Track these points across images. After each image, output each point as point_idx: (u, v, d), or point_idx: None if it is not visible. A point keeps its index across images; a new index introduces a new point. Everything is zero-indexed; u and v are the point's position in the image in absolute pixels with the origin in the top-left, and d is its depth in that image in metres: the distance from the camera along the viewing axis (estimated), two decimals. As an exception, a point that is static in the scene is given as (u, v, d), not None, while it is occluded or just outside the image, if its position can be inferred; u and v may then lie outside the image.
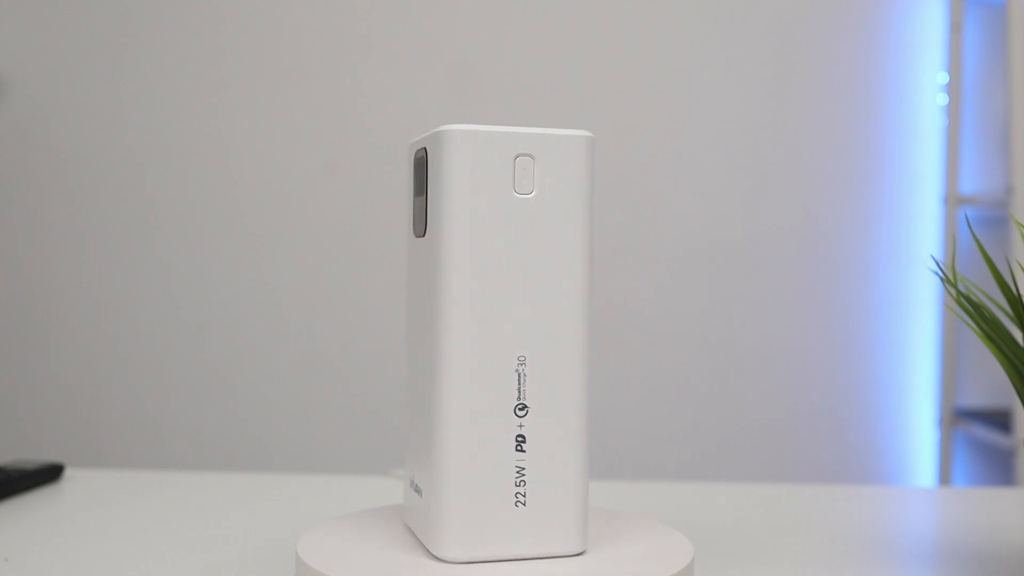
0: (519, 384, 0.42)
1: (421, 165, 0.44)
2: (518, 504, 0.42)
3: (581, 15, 1.90)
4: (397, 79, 1.91)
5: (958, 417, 1.86)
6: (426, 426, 0.43)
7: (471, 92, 1.91)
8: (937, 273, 0.51)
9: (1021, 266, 0.43)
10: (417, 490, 0.44)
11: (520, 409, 0.42)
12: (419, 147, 0.44)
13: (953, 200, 1.86)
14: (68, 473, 0.66)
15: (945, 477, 1.87)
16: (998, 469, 1.93)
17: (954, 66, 1.87)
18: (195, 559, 0.48)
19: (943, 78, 1.90)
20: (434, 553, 0.42)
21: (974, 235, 0.46)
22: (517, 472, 0.42)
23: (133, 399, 1.95)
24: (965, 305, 0.46)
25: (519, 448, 0.42)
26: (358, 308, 1.92)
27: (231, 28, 1.93)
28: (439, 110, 1.90)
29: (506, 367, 0.42)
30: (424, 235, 0.43)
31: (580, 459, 0.43)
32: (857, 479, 1.90)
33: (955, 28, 1.87)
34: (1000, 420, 1.79)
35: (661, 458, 1.91)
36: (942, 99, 1.90)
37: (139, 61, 1.94)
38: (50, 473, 0.63)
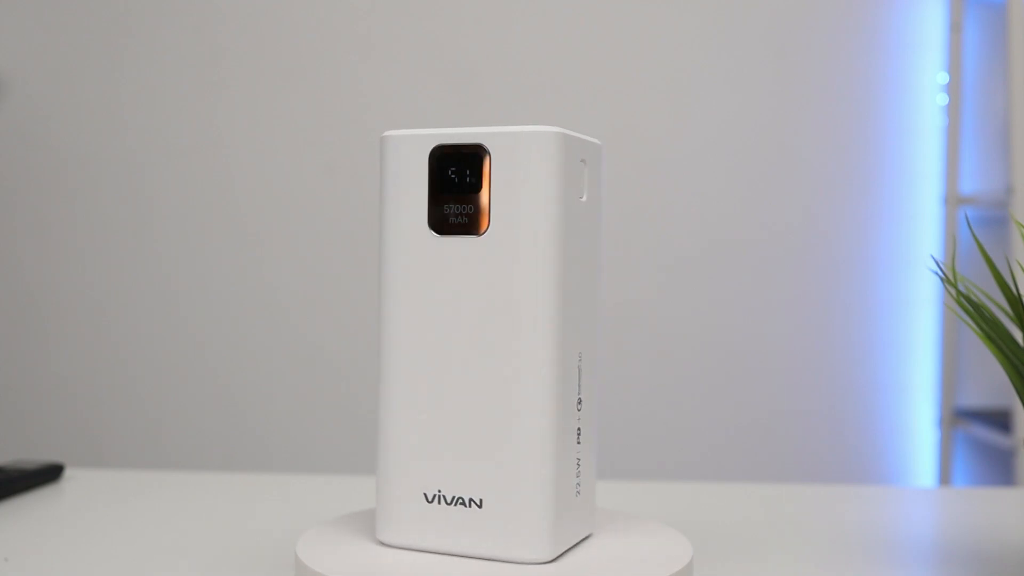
0: (578, 379, 0.44)
1: (464, 161, 0.42)
2: (577, 494, 0.44)
3: (581, 15, 1.90)
4: (397, 79, 1.91)
5: (958, 417, 1.86)
6: (495, 432, 0.42)
7: (471, 92, 1.91)
8: (937, 273, 0.51)
9: (1021, 266, 0.43)
10: (462, 503, 0.42)
11: (579, 404, 0.44)
12: (451, 142, 0.42)
13: (953, 200, 1.86)
14: (68, 473, 0.66)
15: (945, 477, 1.87)
16: (998, 469, 1.93)
17: (954, 66, 1.87)
18: (195, 559, 0.48)
19: (943, 78, 1.90)
20: (523, 558, 0.42)
21: (974, 235, 0.46)
22: (577, 464, 0.44)
23: (133, 399, 1.95)
24: (965, 305, 0.46)
25: (578, 440, 0.44)
26: (358, 308, 1.92)
27: (231, 28, 1.93)
28: (439, 110, 1.90)
29: (572, 364, 0.43)
30: (482, 234, 0.42)
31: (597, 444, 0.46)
32: (857, 479, 1.90)
33: (955, 28, 1.87)
34: (1000, 420, 1.79)
35: (661, 458, 1.91)
36: (942, 99, 1.90)
37: (139, 61, 1.94)
38: (50, 473, 0.63)
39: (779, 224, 1.91)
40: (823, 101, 1.90)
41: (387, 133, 0.44)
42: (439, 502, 0.43)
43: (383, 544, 0.44)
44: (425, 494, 0.43)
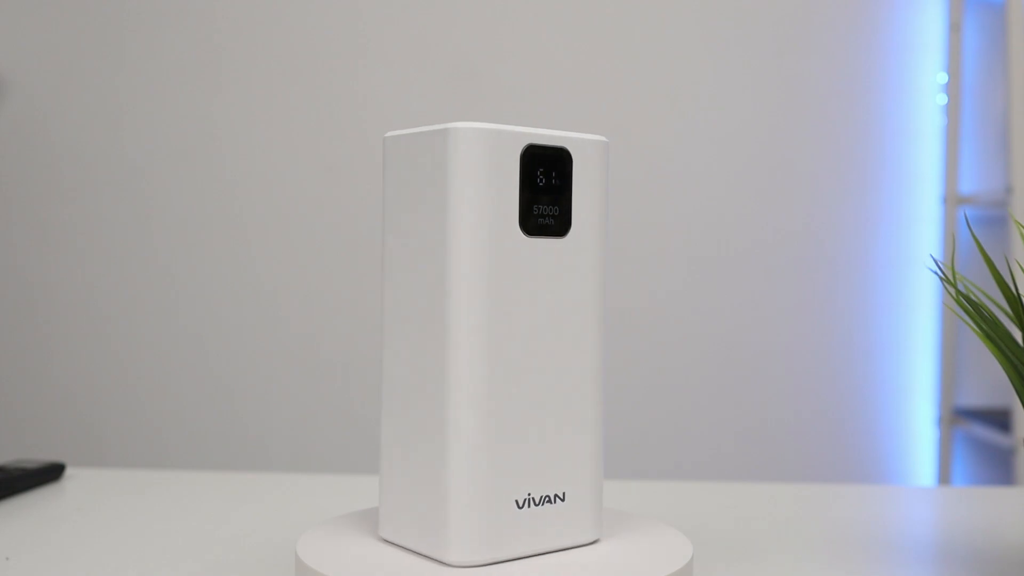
0: None
1: (550, 163, 0.42)
2: None
3: (582, 17, 1.90)
4: (398, 79, 1.92)
5: (958, 416, 1.86)
6: (573, 426, 0.44)
7: (471, 92, 1.91)
8: (936, 273, 0.51)
9: (1021, 266, 0.43)
10: (549, 500, 0.42)
11: None
12: (541, 143, 0.42)
13: (952, 200, 1.86)
14: (69, 472, 0.66)
15: (945, 476, 1.87)
16: (998, 469, 1.93)
17: (954, 66, 1.87)
18: (195, 559, 0.48)
19: (943, 78, 1.90)
20: (589, 539, 0.45)
21: (973, 235, 0.47)
22: None
23: (133, 399, 1.95)
24: (965, 305, 0.46)
25: None
26: (358, 308, 1.92)
27: (231, 28, 1.93)
28: (439, 110, 1.90)
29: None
30: (566, 236, 0.43)
31: None
32: (857, 479, 1.90)
33: (955, 28, 1.87)
34: (1000, 420, 1.79)
35: (662, 458, 1.91)
36: (942, 99, 1.90)
37: (139, 61, 1.94)
38: (51, 472, 0.63)
39: (778, 224, 1.91)
40: (823, 101, 1.90)
41: (456, 125, 0.41)
42: (529, 505, 0.42)
43: (463, 567, 0.41)
44: (516, 501, 0.42)
